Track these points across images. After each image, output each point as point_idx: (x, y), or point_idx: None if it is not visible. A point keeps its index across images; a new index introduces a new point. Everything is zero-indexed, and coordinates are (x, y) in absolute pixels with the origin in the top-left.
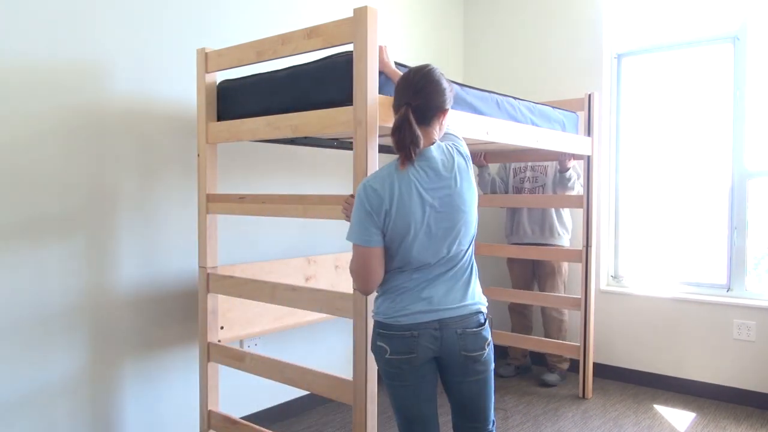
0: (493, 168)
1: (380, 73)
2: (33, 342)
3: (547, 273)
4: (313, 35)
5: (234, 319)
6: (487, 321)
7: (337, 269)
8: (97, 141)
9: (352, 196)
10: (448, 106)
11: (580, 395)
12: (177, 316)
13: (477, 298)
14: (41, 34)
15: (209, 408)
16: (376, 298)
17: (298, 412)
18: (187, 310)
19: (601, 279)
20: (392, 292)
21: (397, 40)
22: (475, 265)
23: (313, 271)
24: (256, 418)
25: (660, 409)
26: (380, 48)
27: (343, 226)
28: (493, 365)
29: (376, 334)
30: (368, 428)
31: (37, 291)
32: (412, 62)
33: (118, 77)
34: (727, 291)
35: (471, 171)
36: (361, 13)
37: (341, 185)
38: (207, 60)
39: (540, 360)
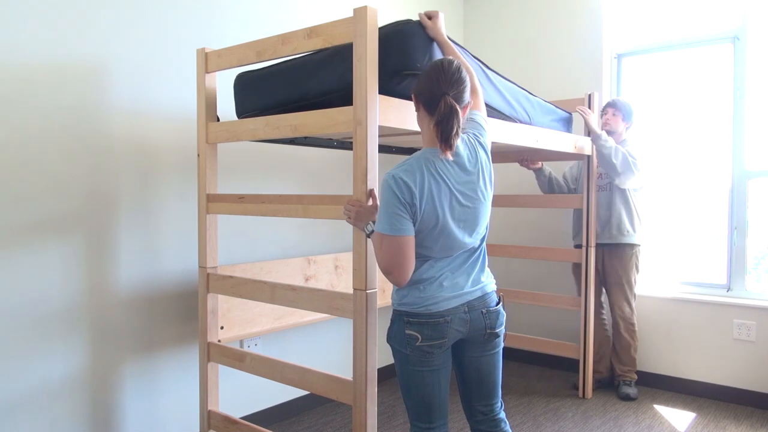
0: (556, 166)
1: (432, 40)
2: (33, 342)
3: (612, 283)
4: (313, 35)
5: (234, 319)
6: (501, 299)
7: (337, 269)
8: (97, 141)
9: (357, 201)
10: (469, 99)
11: (580, 395)
12: (177, 316)
13: (491, 279)
14: (41, 34)
15: (209, 408)
16: (399, 290)
17: (298, 412)
18: (187, 310)
19: None
20: (419, 282)
21: None
22: (485, 248)
23: (313, 271)
24: (256, 418)
25: (660, 409)
26: (435, 14)
27: (343, 227)
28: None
29: (404, 323)
30: (368, 428)
31: (38, 291)
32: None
33: (118, 77)
34: (727, 291)
35: (490, 164)
36: (361, 13)
37: (341, 185)
38: (207, 60)
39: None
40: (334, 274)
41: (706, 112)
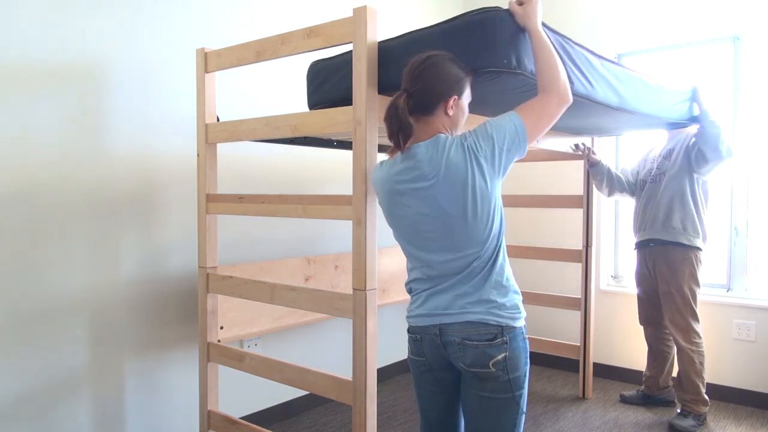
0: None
1: (522, 30)
2: (33, 342)
3: (664, 292)
4: (312, 35)
5: (234, 319)
6: (503, 338)
7: (337, 269)
8: (96, 140)
9: None
10: (456, 93)
11: (580, 395)
12: (177, 316)
13: (488, 307)
14: (41, 34)
15: (209, 408)
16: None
17: (298, 412)
18: (187, 310)
19: (601, 279)
20: (410, 289)
21: None
22: (495, 272)
23: (313, 271)
24: (256, 418)
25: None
26: (531, 2)
27: (343, 227)
28: (516, 392)
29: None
30: (368, 428)
31: (37, 291)
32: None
33: (118, 77)
34: (727, 291)
35: (477, 168)
36: (360, 13)
37: (341, 185)
38: (206, 60)
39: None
40: (334, 274)
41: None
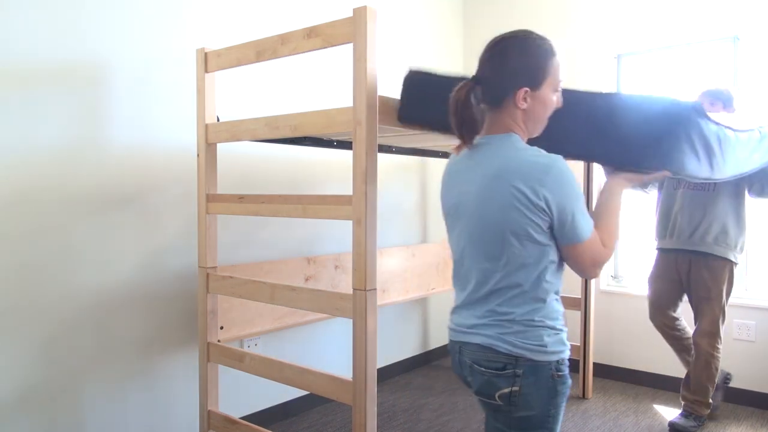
0: None
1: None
2: (32, 342)
3: (702, 297)
4: (312, 35)
5: (234, 319)
6: (515, 371)
7: (337, 269)
8: (96, 140)
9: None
10: (528, 84)
11: (580, 395)
12: (177, 316)
13: (506, 336)
14: (41, 35)
15: (209, 408)
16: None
17: (298, 412)
18: (187, 310)
19: (601, 279)
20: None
21: (396, 40)
22: (529, 300)
23: (313, 271)
24: (256, 418)
25: (660, 409)
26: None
27: (343, 227)
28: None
29: None
30: (368, 428)
31: (37, 290)
32: (411, 62)
33: (118, 77)
34: None
35: (523, 197)
36: (360, 13)
37: (341, 185)
38: (206, 60)
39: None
40: (334, 274)
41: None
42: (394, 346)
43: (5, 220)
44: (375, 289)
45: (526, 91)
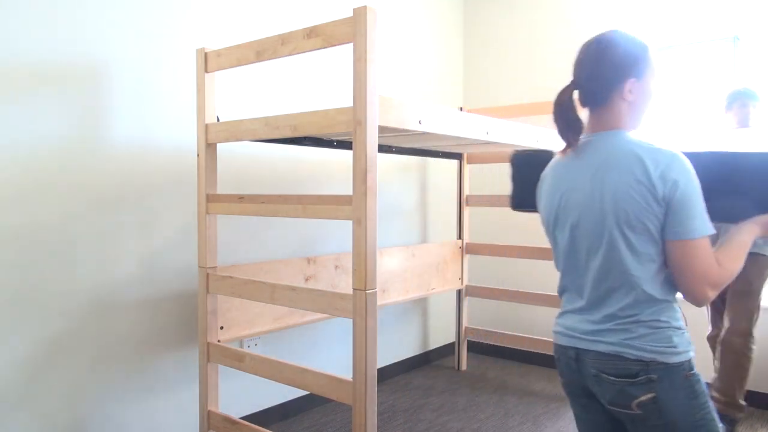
0: None
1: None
2: (32, 341)
3: (737, 291)
4: (312, 35)
5: (234, 319)
6: (649, 377)
7: (337, 269)
8: (96, 141)
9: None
10: (634, 75)
11: None
12: (177, 316)
13: (633, 341)
14: (41, 35)
15: (209, 408)
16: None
17: (298, 412)
18: (187, 310)
19: None
20: (559, 295)
21: (396, 40)
22: (653, 301)
23: (313, 271)
24: (256, 418)
25: None
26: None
27: (343, 227)
28: None
29: None
30: (368, 428)
31: (37, 293)
32: (411, 62)
33: (118, 77)
34: None
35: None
36: (360, 13)
37: (341, 185)
38: (206, 60)
39: None
40: (334, 274)
41: (706, 111)
42: (394, 346)
43: (5, 219)
44: (375, 289)
45: (633, 82)
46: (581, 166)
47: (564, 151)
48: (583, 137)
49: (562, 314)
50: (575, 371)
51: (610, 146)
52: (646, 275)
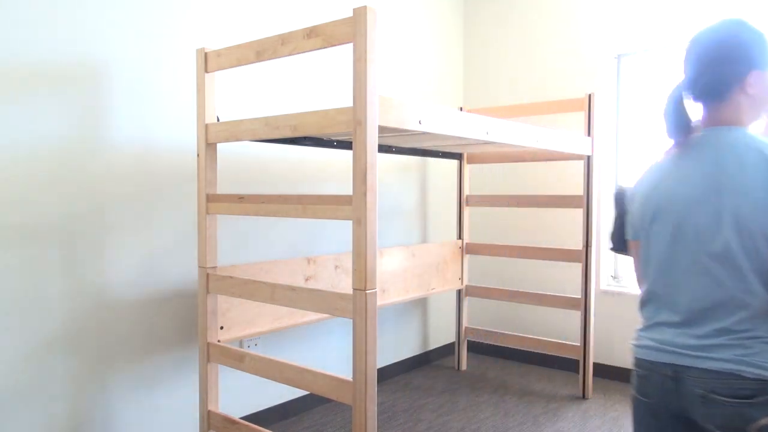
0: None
1: None
2: (32, 344)
3: None
4: (312, 35)
5: (234, 319)
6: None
7: (337, 269)
8: (96, 141)
9: None
10: (758, 66)
11: (580, 395)
12: (177, 316)
13: (750, 358)
14: (40, 35)
15: (209, 408)
16: None
17: (298, 412)
18: (187, 310)
19: (601, 279)
20: (642, 314)
21: (396, 40)
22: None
23: (313, 271)
24: (256, 418)
25: None
26: None
27: (343, 226)
28: None
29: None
30: (368, 428)
31: (37, 293)
32: (411, 62)
33: (117, 77)
34: None
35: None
36: (360, 13)
37: (341, 185)
38: (206, 60)
39: None
40: (334, 274)
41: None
42: (394, 346)
43: (5, 219)
44: (375, 289)
45: (756, 74)
46: (691, 163)
47: (671, 150)
48: (692, 136)
49: (650, 327)
50: (672, 391)
51: (726, 143)
52: (766, 287)
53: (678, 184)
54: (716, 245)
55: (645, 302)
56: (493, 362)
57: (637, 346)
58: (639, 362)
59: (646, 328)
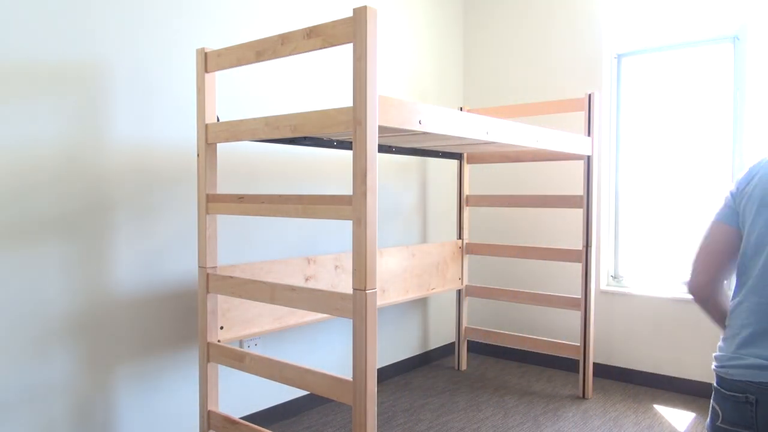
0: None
1: None
2: (32, 344)
3: None
4: (312, 35)
5: (234, 319)
6: None
7: (337, 269)
8: (96, 141)
9: None
10: None
11: (580, 395)
12: (176, 316)
13: None
14: (41, 34)
15: (209, 408)
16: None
17: (298, 412)
18: (187, 310)
19: (601, 279)
20: (733, 322)
21: (396, 40)
22: None
23: (313, 271)
24: (256, 418)
25: (660, 409)
26: None
27: (343, 226)
28: None
29: (713, 389)
30: (368, 428)
31: (37, 293)
32: (411, 62)
33: (117, 77)
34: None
35: None
36: (360, 13)
37: (341, 185)
38: (206, 60)
39: None
40: (334, 274)
41: (706, 111)
42: (394, 346)
43: (5, 219)
44: (375, 289)
45: None
46: None
47: None
48: None
49: (747, 343)
50: None
51: None
52: None
53: None
54: None
55: (737, 311)
56: (493, 362)
57: (735, 366)
58: (740, 386)
59: (743, 344)
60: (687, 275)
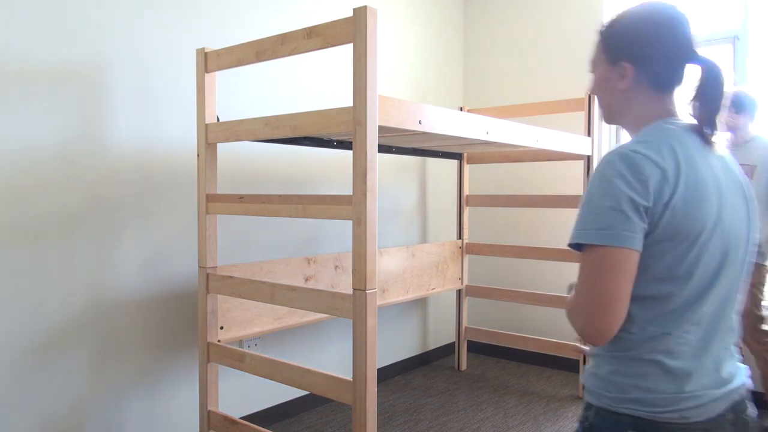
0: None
1: None
2: (32, 344)
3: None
4: (312, 35)
5: (234, 319)
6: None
7: (337, 269)
8: (96, 141)
9: None
10: (618, 57)
11: (580, 395)
12: (177, 316)
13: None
14: (41, 35)
15: (209, 408)
16: (600, 362)
17: (298, 412)
18: (187, 310)
19: None
20: (654, 353)
21: (396, 40)
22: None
23: (313, 271)
24: (256, 418)
25: None
26: None
27: (343, 226)
28: None
29: None
30: (368, 428)
31: (37, 293)
32: (411, 62)
33: (118, 77)
34: None
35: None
36: (360, 13)
37: (341, 185)
38: (206, 60)
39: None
40: (334, 274)
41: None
42: (393, 346)
43: (5, 220)
44: (375, 289)
45: (611, 65)
46: (728, 173)
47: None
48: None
49: (694, 375)
50: None
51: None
52: None
53: (728, 195)
54: (745, 268)
55: (692, 333)
56: (493, 362)
57: (697, 405)
58: (703, 426)
59: (691, 376)
60: (591, 326)
